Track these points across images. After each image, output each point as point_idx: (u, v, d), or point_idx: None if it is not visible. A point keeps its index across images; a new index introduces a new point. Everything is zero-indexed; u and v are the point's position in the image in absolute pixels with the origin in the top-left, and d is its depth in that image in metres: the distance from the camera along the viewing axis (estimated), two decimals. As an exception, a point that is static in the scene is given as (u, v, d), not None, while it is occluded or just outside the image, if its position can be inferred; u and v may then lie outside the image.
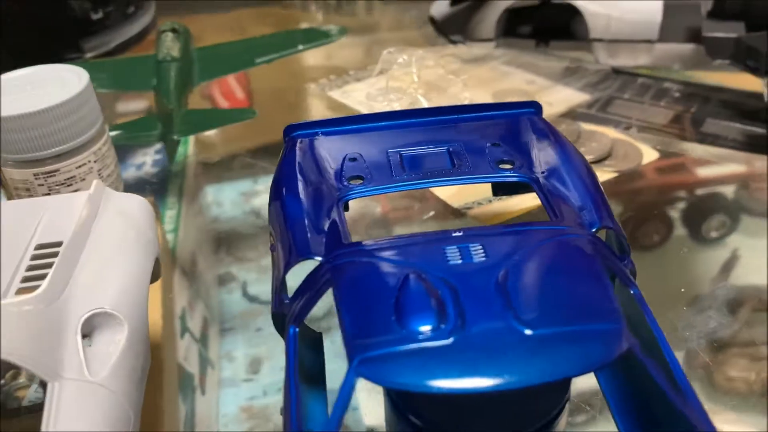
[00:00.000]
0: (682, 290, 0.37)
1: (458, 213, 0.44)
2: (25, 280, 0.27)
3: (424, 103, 0.48)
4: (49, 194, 0.37)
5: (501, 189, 0.35)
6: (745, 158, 0.44)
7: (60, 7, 0.56)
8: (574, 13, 0.54)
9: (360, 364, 0.20)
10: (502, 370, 0.19)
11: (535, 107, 0.34)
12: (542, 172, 0.29)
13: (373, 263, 0.23)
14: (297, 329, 0.24)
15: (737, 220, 0.42)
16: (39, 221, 0.31)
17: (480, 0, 0.58)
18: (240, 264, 0.43)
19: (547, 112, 0.35)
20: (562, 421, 0.24)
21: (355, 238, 0.26)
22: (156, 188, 0.48)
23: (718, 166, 0.45)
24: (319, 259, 0.25)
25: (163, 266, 0.34)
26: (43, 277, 0.27)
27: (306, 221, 0.27)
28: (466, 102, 0.50)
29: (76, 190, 0.38)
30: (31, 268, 0.28)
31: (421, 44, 0.59)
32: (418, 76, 0.48)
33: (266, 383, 0.35)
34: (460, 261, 0.23)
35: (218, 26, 0.73)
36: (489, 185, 0.35)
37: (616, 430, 0.25)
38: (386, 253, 0.24)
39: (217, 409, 0.34)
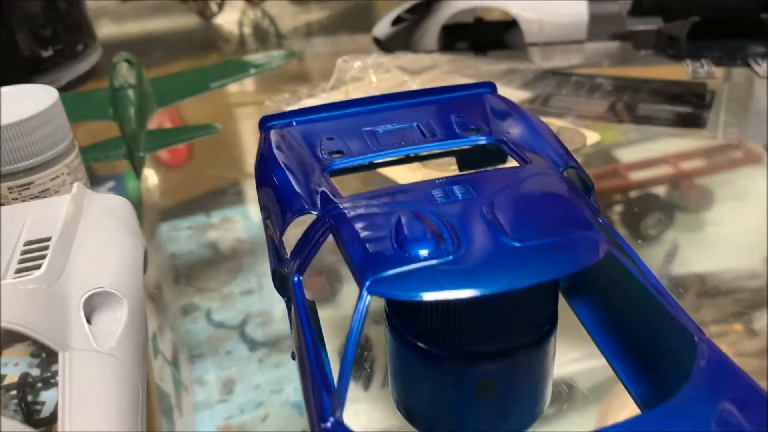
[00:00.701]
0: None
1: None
2: (20, 271, 0.28)
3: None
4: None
5: (466, 163, 0.38)
6: (677, 133, 0.48)
7: (10, 45, 0.57)
8: (507, 27, 0.58)
9: (372, 285, 0.21)
10: (498, 276, 0.21)
11: (491, 86, 0.37)
12: (507, 133, 0.32)
13: (369, 208, 0.25)
14: (301, 277, 0.25)
15: (672, 217, 0.45)
16: (23, 222, 0.31)
17: (417, 19, 0.62)
18: (202, 294, 0.43)
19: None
20: (552, 346, 0.26)
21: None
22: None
23: (650, 169, 0.48)
24: (315, 213, 0.26)
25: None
26: (38, 267, 0.27)
27: (297, 186, 0.28)
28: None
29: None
30: (23, 261, 0.28)
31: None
32: (376, 78, 0.50)
33: (242, 402, 0.35)
34: (448, 199, 0.25)
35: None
36: (455, 165, 0.38)
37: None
38: (379, 200, 0.26)
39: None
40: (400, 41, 0.62)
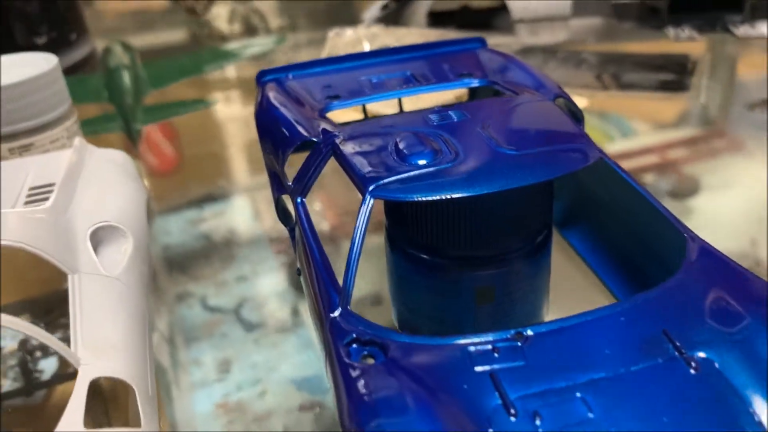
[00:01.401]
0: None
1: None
2: (28, 203, 0.28)
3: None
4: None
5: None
6: (661, 97, 0.49)
7: (5, 32, 0.57)
8: (493, 13, 0.60)
9: (374, 189, 0.22)
10: (494, 178, 0.22)
11: (481, 41, 0.38)
12: (499, 76, 0.33)
13: (369, 132, 0.26)
14: (304, 199, 0.26)
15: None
16: (27, 173, 0.32)
17: (404, 4, 0.63)
18: (197, 282, 0.43)
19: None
20: (548, 261, 0.26)
21: None
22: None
23: (636, 159, 0.49)
24: (316, 140, 0.27)
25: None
26: (45, 200, 0.28)
27: (296, 121, 0.29)
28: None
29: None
30: (29, 199, 0.29)
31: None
32: (370, 47, 0.51)
33: (239, 380, 0.35)
34: (444, 121, 0.26)
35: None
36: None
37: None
38: (379, 125, 0.26)
39: (192, 410, 0.34)
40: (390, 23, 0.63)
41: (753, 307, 0.19)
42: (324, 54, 0.54)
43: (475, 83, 0.33)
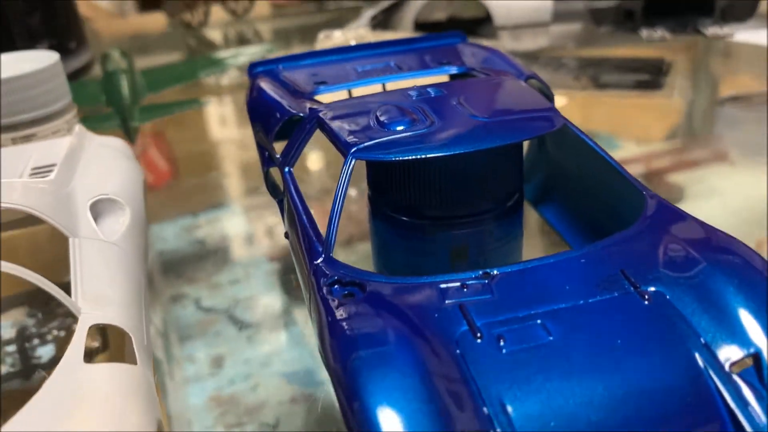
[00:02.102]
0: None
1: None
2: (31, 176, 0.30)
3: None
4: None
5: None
6: (637, 95, 0.51)
7: (6, 38, 0.60)
8: (479, 23, 0.62)
9: (356, 152, 0.24)
10: (467, 140, 0.24)
11: (461, 36, 0.40)
12: (476, 63, 0.35)
13: (352, 106, 0.28)
14: (291, 169, 0.28)
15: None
16: (30, 156, 0.33)
17: (391, 14, 0.65)
18: (191, 284, 0.44)
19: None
20: (520, 227, 0.28)
21: None
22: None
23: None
24: (302, 115, 0.29)
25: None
26: (48, 174, 0.29)
27: (284, 101, 0.31)
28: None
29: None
30: (32, 175, 0.30)
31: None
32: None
33: (232, 374, 0.35)
34: (422, 96, 0.28)
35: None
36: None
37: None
38: (361, 101, 0.28)
39: (185, 403, 0.35)
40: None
41: (710, 254, 0.21)
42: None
43: (454, 70, 0.35)
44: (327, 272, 0.22)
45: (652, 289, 0.20)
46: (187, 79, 0.60)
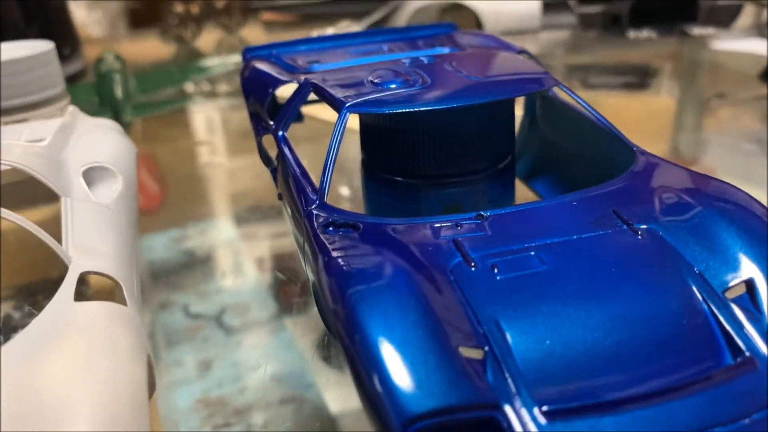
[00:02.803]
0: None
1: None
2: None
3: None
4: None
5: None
6: (625, 95, 0.52)
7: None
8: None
9: (350, 106, 0.24)
10: (460, 95, 0.24)
11: (453, 26, 0.41)
12: (467, 44, 0.35)
13: (346, 71, 0.28)
14: (285, 133, 0.28)
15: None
16: (21, 132, 0.34)
17: (383, 22, 0.66)
18: (179, 291, 0.43)
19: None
20: (511, 188, 0.29)
21: None
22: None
23: None
24: (297, 83, 0.29)
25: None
26: (41, 141, 0.30)
27: (279, 74, 0.31)
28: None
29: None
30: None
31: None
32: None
33: (220, 377, 0.35)
34: (415, 63, 0.28)
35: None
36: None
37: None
38: (355, 67, 0.29)
39: (172, 404, 0.35)
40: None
41: (702, 197, 0.21)
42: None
43: (446, 51, 0.35)
44: (321, 215, 0.22)
45: (645, 226, 0.20)
46: (178, 82, 0.60)
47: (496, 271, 0.19)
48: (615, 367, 0.17)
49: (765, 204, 0.21)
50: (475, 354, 0.17)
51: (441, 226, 0.21)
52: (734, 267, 0.19)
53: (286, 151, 0.27)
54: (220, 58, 0.70)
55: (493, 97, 0.24)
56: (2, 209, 0.22)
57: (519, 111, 0.34)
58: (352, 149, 0.32)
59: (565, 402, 0.16)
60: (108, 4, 1.19)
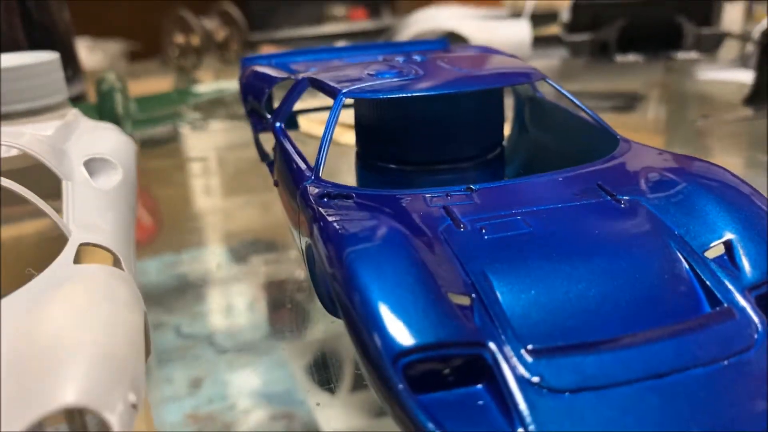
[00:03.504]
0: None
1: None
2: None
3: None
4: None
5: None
6: (613, 116, 0.54)
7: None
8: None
9: (346, 92, 0.25)
10: (451, 84, 0.25)
11: (444, 42, 0.42)
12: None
13: (341, 66, 0.29)
14: (282, 125, 0.29)
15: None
16: (23, 133, 0.34)
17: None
18: (171, 313, 0.43)
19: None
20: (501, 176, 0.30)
21: None
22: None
23: None
24: (294, 77, 0.30)
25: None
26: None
27: (277, 74, 0.32)
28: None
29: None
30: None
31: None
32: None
33: (211, 393, 0.35)
34: (408, 60, 0.30)
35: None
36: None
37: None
38: (350, 65, 0.30)
39: (162, 420, 0.35)
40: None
41: (683, 173, 0.22)
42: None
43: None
44: (317, 188, 0.23)
45: (627, 197, 0.21)
46: (176, 104, 0.62)
47: (483, 231, 0.19)
48: (598, 314, 0.17)
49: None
50: (463, 300, 0.17)
51: (432, 197, 0.21)
52: (713, 230, 0.19)
53: (283, 138, 0.28)
54: (218, 84, 0.72)
55: (482, 86, 0.26)
56: (4, 179, 0.23)
57: (510, 113, 0.36)
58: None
59: (550, 342, 0.16)
60: (108, 45, 1.22)
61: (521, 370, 0.16)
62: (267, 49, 0.96)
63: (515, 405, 0.15)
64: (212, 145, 0.65)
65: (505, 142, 0.35)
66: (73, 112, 0.36)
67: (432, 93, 0.25)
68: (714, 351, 0.16)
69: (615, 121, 0.53)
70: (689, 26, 0.58)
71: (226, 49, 0.92)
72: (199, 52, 0.89)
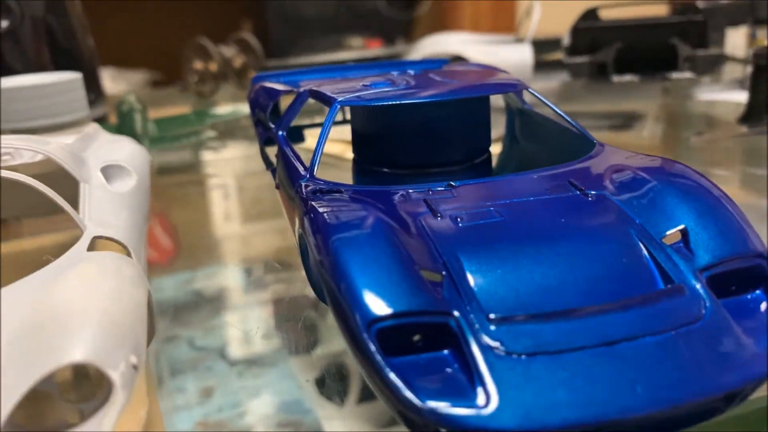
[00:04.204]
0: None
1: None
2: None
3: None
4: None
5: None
6: (611, 134, 0.55)
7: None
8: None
9: (342, 100, 0.28)
10: (440, 93, 0.28)
11: (444, 61, 0.44)
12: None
13: (340, 81, 0.32)
14: (285, 133, 0.31)
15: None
16: (48, 141, 0.37)
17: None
18: (185, 327, 0.44)
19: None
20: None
21: None
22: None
23: None
24: (297, 90, 0.33)
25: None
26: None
27: (281, 88, 0.35)
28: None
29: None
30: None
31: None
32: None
33: (221, 402, 0.36)
34: (403, 75, 0.32)
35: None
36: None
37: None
38: (349, 79, 0.32)
39: (172, 427, 0.37)
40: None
41: (653, 172, 0.23)
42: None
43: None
44: (311, 185, 0.25)
45: (594, 192, 0.23)
46: (193, 124, 0.64)
47: (459, 220, 0.21)
48: (558, 290, 0.19)
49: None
50: (434, 277, 0.19)
51: (414, 192, 0.23)
52: (671, 219, 0.21)
53: (284, 146, 0.30)
54: (234, 107, 0.74)
55: (467, 95, 0.28)
56: (27, 177, 0.25)
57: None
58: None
59: (511, 312, 0.18)
60: (132, 75, 1.26)
61: (483, 336, 0.17)
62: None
63: (476, 367, 0.17)
64: (231, 171, 0.67)
65: (497, 155, 0.37)
66: (93, 126, 0.39)
67: (420, 101, 0.27)
68: (663, 322, 0.18)
69: (612, 139, 0.55)
70: (683, 48, 0.60)
71: (243, 76, 0.95)
72: (217, 78, 0.93)
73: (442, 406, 0.16)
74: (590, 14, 0.63)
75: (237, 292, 0.51)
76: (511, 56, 0.64)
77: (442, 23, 1.36)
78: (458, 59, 0.66)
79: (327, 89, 0.30)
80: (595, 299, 0.19)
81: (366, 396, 0.30)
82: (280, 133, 0.31)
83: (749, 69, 0.54)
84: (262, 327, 0.41)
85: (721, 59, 0.60)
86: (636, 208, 0.22)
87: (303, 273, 0.31)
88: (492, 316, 0.18)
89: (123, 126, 0.59)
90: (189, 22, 1.09)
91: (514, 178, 0.24)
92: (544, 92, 0.66)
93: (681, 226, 0.21)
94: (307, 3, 1.45)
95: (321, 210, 0.22)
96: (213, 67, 0.93)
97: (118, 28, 1.28)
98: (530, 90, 0.30)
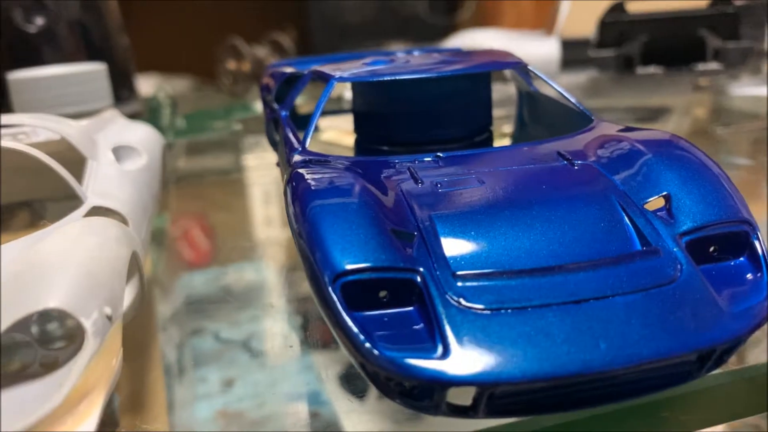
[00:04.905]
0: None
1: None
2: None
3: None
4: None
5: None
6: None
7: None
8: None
9: (338, 78, 0.28)
10: (438, 69, 0.28)
11: (457, 49, 0.44)
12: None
13: (345, 62, 0.32)
14: (288, 113, 0.31)
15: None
16: (60, 122, 0.38)
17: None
18: (211, 320, 0.45)
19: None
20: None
21: None
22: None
23: None
24: (304, 71, 0.33)
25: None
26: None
27: (288, 71, 0.35)
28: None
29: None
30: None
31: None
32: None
33: (241, 393, 0.36)
34: (406, 54, 0.32)
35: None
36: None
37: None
38: (353, 59, 0.32)
39: (193, 415, 0.36)
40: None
41: (641, 142, 0.23)
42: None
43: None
44: (302, 157, 0.25)
45: (581, 161, 0.22)
46: (221, 117, 0.66)
47: (438, 186, 0.21)
48: (530, 251, 0.19)
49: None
50: (407, 238, 0.19)
51: (401, 161, 0.23)
52: (655, 185, 0.21)
53: (285, 124, 0.30)
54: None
55: (463, 71, 0.28)
56: (32, 148, 0.26)
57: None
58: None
59: (477, 269, 0.18)
60: (176, 82, 1.29)
61: (447, 292, 0.17)
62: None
63: (438, 320, 0.17)
64: (271, 179, 0.68)
65: (508, 138, 0.37)
66: (111, 111, 0.40)
67: (415, 76, 0.27)
68: (634, 283, 0.18)
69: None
70: (712, 39, 0.59)
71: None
72: (249, 78, 0.94)
73: (400, 357, 0.16)
74: (617, 7, 0.62)
75: (264, 289, 0.52)
76: (537, 51, 0.63)
77: (484, 28, 1.36)
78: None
79: (327, 69, 0.30)
80: (568, 260, 0.18)
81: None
82: (283, 113, 0.32)
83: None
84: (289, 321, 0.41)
85: (752, 52, 0.59)
86: (621, 176, 0.21)
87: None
88: (459, 273, 0.18)
89: (152, 120, 0.60)
90: (231, 28, 1.11)
91: (503, 150, 0.24)
92: (571, 87, 0.66)
93: (665, 193, 0.20)
94: (350, 10, 1.47)
95: (302, 173, 0.22)
96: (246, 67, 0.94)
97: (161, 33, 1.31)
98: (530, 68, 0.30)
